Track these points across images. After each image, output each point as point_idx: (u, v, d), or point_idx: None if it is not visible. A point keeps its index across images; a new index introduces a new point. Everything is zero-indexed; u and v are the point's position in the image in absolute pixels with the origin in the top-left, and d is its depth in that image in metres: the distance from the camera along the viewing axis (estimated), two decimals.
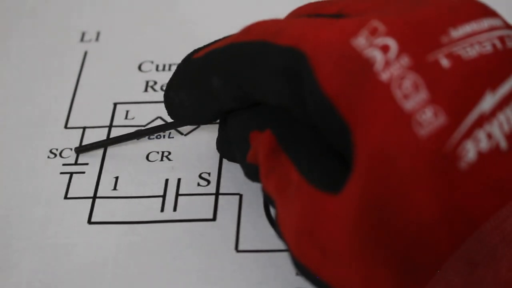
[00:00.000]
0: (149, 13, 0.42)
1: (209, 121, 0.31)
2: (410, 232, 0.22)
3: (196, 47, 0.40)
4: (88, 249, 0.31)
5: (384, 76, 0.23)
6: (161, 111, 0.36)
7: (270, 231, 0.31)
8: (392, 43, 0.24)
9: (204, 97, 0.29)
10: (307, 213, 0.25)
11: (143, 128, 0.35)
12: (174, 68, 0.38)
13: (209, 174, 0.33)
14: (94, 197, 0.33)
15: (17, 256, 0.31)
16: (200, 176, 0.33)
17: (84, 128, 0.36)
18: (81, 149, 0.34)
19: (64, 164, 0.34)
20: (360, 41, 0.24)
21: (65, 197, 0.33)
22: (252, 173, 0.29)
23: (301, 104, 0.25)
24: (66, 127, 0.36)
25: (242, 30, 0.27)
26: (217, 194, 0.32)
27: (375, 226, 0.23)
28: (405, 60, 0.23)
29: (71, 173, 0.34)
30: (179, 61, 0.38)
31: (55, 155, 0.35)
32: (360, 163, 0.23)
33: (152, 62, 0.39)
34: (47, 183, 0.34)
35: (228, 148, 0.31)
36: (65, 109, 0.37)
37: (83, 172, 0.34)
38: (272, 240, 0.30)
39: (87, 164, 0.34)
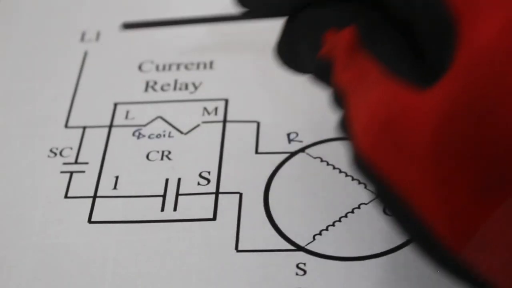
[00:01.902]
0: (149, 13, 0.42)
1: (281, 7, 0.28)
2: (501, 145, 0.20)
3: (196, 47, 0.40)
4: (88, 248, 0.31)
5: None
6: (161, 111, 0.36)
7: (270, 230, 0.31)
8: None
9: None
10: (388, 101, 0.23)
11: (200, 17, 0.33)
12: (174, 68, 0.38)
13: (209, 173, 0.33)
14: (94, 197, 0.33)
15: (17, 256, 0.31)
16: (200, 175, 0.33)
17: (84, 128, 0.36)
18: (129, 25, 0.33)
19: (64, 164, 0.34)
20: None
21: (65, 197, 0.33)
22: (321, 70, 0.27)
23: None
24: (66, 126, 0.36)
25: None
26: (217, 193, 0.32)
27: (463, 130, 0.21)
28: None
29: (71, 173, 0.34)
30: (179, 61, 0.39)
31: (55, 154, 0.35)
32: (462, 60, 0.21)
33: (152, 62, 0.39)
34: (47, 182, 0.33)
35: (291, 51, 0.29)
36: (65, 109, 0.37)
37: (83, 172, 0.34)
38: (272, 239, 0.30)
39: (87, 163, 0.34)
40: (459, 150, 0.21)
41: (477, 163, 0.21)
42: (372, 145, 0.23)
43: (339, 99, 0.26)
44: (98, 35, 0.41)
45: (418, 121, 0.22)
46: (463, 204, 0.21)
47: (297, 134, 0.34)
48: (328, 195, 0.32)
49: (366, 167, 0.23)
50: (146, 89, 0.38)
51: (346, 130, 0.25)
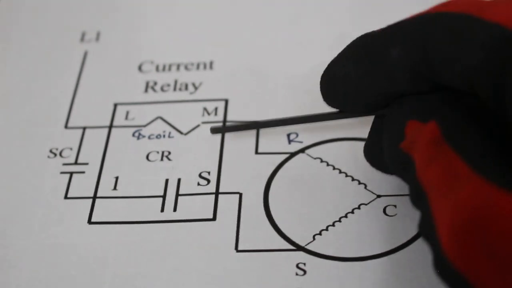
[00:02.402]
0: (149, 13, 0.42)
1: (369, 105, 0.27)
2: None
3: (196, 47, 0.40)
4: (88, 249, 0.31)
5: None
6: (161, 111, 0.36)
7: (270, 230, 0.31)
8: None
9: (375, 71, 0.26)
10: (477, 204, 0.21)
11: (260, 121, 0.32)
12: (174, 68, 0.38)
13: (209, 173, 0.33)
14: (94, 197, 0.33)
15: (17, 256, 0.31)
16: (200, 176, 0.33)
17: (84, 128, 0.36)
18: (217, 129, 0.33)
19: (64, 164, 0.34)
20: None
21: (65, 197, 0.33)
22: (399, 163, 0.26)
23: (497, 87, 0.22)
24: (66, 127, 0.36)
25: (436, 5, 0.25)
26: (217, 193, 0.32)
27: None
28: None
29: (71, 173, 0.34)
30: (179, 61, 0.39)
31: (55, 154, 0.35)
32: None
33: (152, 62, 0.39)
34: (47, 183, 0.33)
35: (379, 152, 0.28)
36: (65, 109, 0.37)
37: (83, 172, 0.34)
38: (272, 239, 0.30)
39: (87, 164, 0.34)
40: None
41: None
42: (461, 252, 0.21)
43: (419, 197, 0.24)
44: (98, 35, 0.41)
45: None
46: None
47: (297, 135, 0.34)
48: (328, 195, 0.32)
49: (453, 274, 0.22)
50: (146, 90, 0.37)
51: (428, 231, 0.23)
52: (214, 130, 0.33)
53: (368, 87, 0.26)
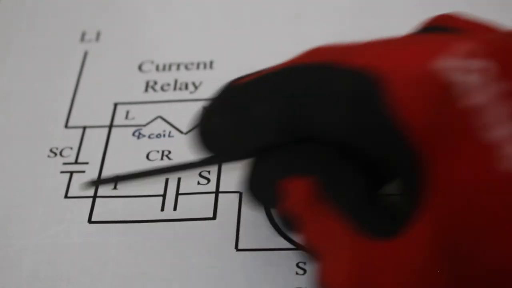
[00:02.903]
0: (149, 13, 0.42)
1: (245, 156, 0.27)
2: (495, 281, 0.20)
3: (196, 47, 0.40)
4: (88, 248, 0.31)
5: (466, 103, 0.21)
6: (161, 111, 0.36)
7: (270, 230, 0.31)
8: (490, 67, 0.21)
9: (244, 125, 0.25)
10: (362, 262, 0.22)
11: (163, 166, 0.30)
12: (174, 68, 0.38)
13: (209, 172, 0.33)
14: (94, 196, 0.33)
15: (17, 256, 0.31)
16: (200, 175, 0.33)
17: (84, 128, 0.36)
18: (97, 183, 0.32)
19: (64, 163, 0.34)
20: (447, 62, 0.21)
21: (66, 197, 0.33)
22: (286, 225, 0.26)
23: (364, 133, 0.22)
24: (66, 126, 0.36)
25: (302, 53, 0.25)
26: (217, 192, 0.32)
27: (449, 273, 0.20)
28: (501, 87, 0.20)
29: (71, 172, 0.34)
30: (179, 61, 0.39)
31: (55, 154, 0.35)
32: (435, 200, 0.21)
33: (152, 62, 0.39)
34: (47, 182, 0.33)
35: (260, 190, 0.27)
36: (65, 108, 0.37)
37: (83, 172, 0.34)
38: (272, 239, 0.30)
39: (87, 163, 0.34)
40: None
41: None
42: None
43: (311, 252, 0.25)
44: (98, 35, 0.41)
45: (399, 274, 0.21)
46: None
47: None
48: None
49: None
50: (146, 89, 0.38)
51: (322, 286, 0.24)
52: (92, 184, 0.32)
53: (238, 140, 0.26)
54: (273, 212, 0.30)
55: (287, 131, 0.25)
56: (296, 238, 0.30)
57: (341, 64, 0.23)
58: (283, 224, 0.27)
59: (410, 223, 0.21)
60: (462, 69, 0.21)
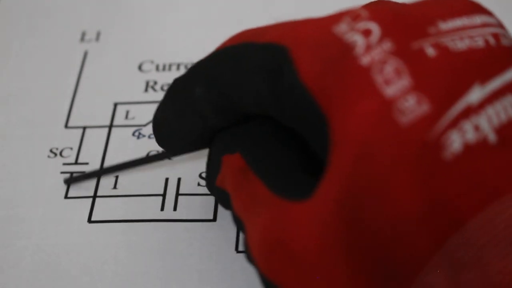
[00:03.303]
0: (149, 13, 0.42)
1: (194, 143, 0.29)
2: (388, 232, 0.21)
3: (196, 47, 0.40)
4: (88, 248, 0.31)
5: (364, 61, 0.22)
6: None
7: None
8: (374, 28, 0.23)
9: (186, 111, 0.28)
10: (275, 223, 0.23)
11: (132, 160, 0.33)
12: (174, 68, 0.38)
13: None
14: (94, 196, 0.33)
15: (17, 256, 0.31)
16: (200, 176, 0.33)
17: (84, 128, 0.36)
18: (72, 180, 0.33)
19: (64, 164, 0.34)
20: (341, 27, 0.23)
21: (65, 197, 0.33)
22: (222, 199, 0.28)
23: (279, 101, 0.24)
24: (66, 126, 0.36)
25: (225, 40, 0.27)
26: None
27: (349, 229, 0.21)
28: (387, 45, 0.22)
29: (71, 173, 0.34)
30: (179, 61, 0.39)
31: (55, 154, 0.35)
32: (336, 159, 0.22)
33: (152, 62, 0.39)
34: (47, 182, 0.33)
35: (218, 192, 0.29)
36: (65, 109, 0.37)
37: (84, 172, 0.34)
38: None
39: (87, 163, 0.34)
40: (350, 251, 0.21)
41: (371, 260, 0.21)
42: (272, 270, 0.23)
43: (240, 226, 0.27)
44: (98, 35, 0.41)
45: (306, 232, 0.22)
46: None
47: None
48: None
49: (270, 285, 0.24)
50: (146, 89, 0.38)
51: (248, 255, 0.25)
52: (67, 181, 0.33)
53: (184, 126, 0.28)
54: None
55: (225, 110, 0.27)
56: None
57: (253, 41, 0.25)
58: (219, 201, 0.29)
59: (319, 184, 0.22)
60: (351, 31, 0.23)
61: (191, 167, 0.33)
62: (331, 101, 0.22)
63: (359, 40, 0.23)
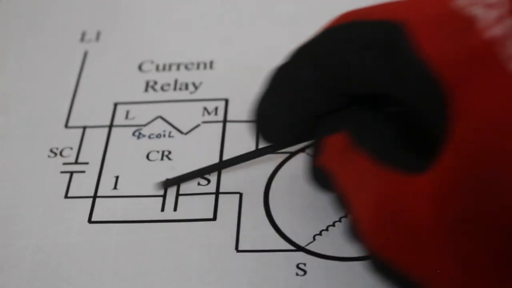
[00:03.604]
0: (149, 13, 0.42)
1: (298, 132, 0.29)
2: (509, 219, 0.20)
3: (196, 47, 0.40)
4: (88, 248, 0.31)
5: (488, 35, 0.21)
6: (162, 110, 0.36)
7: (271, 230, 0.31)
8: (499, 3, 0.22)
9: (292, 98, 0.27)
10: (389, 197, 0.23)
11: (226, 159, 0.32)
12: (174, 67, 0.38)
13: (209, 173, 0.33)
14: (95, 197, 0.33)
15: (17, 256, 0.31)
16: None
17: (84, 128, 0.36)
18: (169, 183, 0.33)
19: (64, 164, 0.34)
20: (460, 1, 0.22)
21: (66, 197, 0.33)
22: (321, 179, 0.28)
23: (394, 77, 0.24)
24: (66, 126, 0.36)
25: (328, 22, 0.26)
26: (217, 193, 0.32)
27: (477, 200, 0.20)
28: (510, 22, 0.21)
29: (71, 172, 0.34)
30: (179, 61, 0.39)
31: (55, 154, 0.35)
32: (461, 131, 0.21)
33: (152, 62, 0.39)
34: (47, 182, 0.33)
35: (318, 173, 0.28)
36: (65, 108, 0.37)
37: (84, 172, 0.34)
38: (272, 240, 0.30)
39: (87, 163, 0.34)
40: (472, 230, 0.21)
41: (494, 242, 0.21)
42: (383, 243, 0.23)
43: (343, 205, 0.26)
44: (98, 35, 0.41)
45: (420, 208, 0.22)
46: (489, 285, 0.21)
47: None
48: (328, 195, 0.32)
49: (384, 266, 0.23)
50: (146, 89, 0.37)
51: (356, 234, 0.25)
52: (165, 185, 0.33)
53: (290, 115, 0.28)
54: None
55: (333, 91, 0.26)
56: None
57: (363, 19, 0.25)
58: (318, 181, 0.28)
59: (437, 158, 0.22)
60: (479, 3, 0.22)
61: (191, 167, 0.33)
62: (454, 75, 0.22)
63: (482, 14, 0.22)
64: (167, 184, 0.33)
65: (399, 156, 0.24)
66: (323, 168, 0.27)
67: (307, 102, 0.27)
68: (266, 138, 0.30)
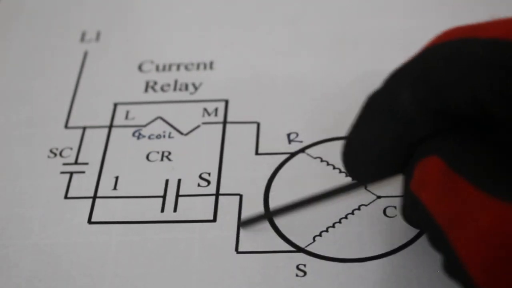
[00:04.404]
0: (149, 13, 0.42)
1: (394, 162, 0.26)
2: None
3: (196, 47, 0.40)
4: (88, 249, 0.31)
5: None
6: (161, 111, 0.36)
7: (270, 232, 0.31)
8: None
9: (389, 122, 0.25)
10: (498, 228, 0.21)
11: (306, 197, 0.30)
12: (174, 68, 0.38)
13: (209, 174, 0.33)
14: (94, 197, 0.33)
15: (17, 256, 0.31)
16: (200, 177, 0.33)
17: (84, 128, 0.36)
18: (247, 223, 0.31)
19: (64, 164, 0.34)
20: None
21: (65, 197, 0.33)
22: (413, 206, 0.26)
23: (506, 98, 0.22)
24: (66, 127, 0.36)
25: (430, 40, 0.25)
26: (217, 194, 0.32)
27: None
28: None
29: (71, 173, 0.34)
30: (179, 61, 0.39)
31: (55, 154, 0.35)
32: None
33: (152, 62, 0.39)
34: (47, 183, 0.33)
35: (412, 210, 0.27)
36: (65, 109, 0.37)
37: (83, 172, 0.34)
38: (272, 241, 0.30)
39: (87, 163, 0.34)
40: None
41: None
42: (493, 283, 0.21)
43: (438, 238, 0.24)
44: (98, 35, 0.41)
45: None
46: None
47: (297, 134, 0.34)
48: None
49: None
50: (146, 89, 0.37)
51: (456, 271, 0.23)
52: (243, 225, 0.31)
53: (387, 141, 0.26)
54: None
55: (434, 113, 0.25)
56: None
57: (474, 37, 0.23)
58: (406, 208, 0.27)
59: None
60: None
61: (191, 168, 0.33)
62: None
63: None
64: (246, 223, 0.31)
65: (503, 182, 0.22)
66: (411, 196, 0.25)
67: (409, 125, 0.25)
68: (354, 175, 0.28)
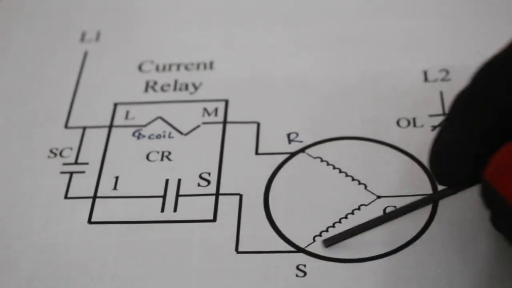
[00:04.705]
0: (149, 13, 0.42)
1: (474, 161, 0.26)
2: None
3: (196, 47, 0.40)
4: (88, 249, 0.31)
5: None
6: (161, 111, 0.36)
7: (271, 232, 0.31)
8: None
9: (479, 121, 0.25)
10: None
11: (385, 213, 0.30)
12: (174, 68, 0.38)
13: (209, 174, 0.33)
14: (94, 197, 0.33)
15: (17, 256, 0.31)
16: (200, 176, 0.33)
17: (84, 128, 0.36)
18: (331, 242, 0.30)
19: (64, 164, 0.34)
20: None
21: (65, 197, 0.33)
22: (485, 194, 0.25)
23: None
24: (66, 127, 0.36)
25: None
26: (217, 194, 0.32)
27: None
28: None
29: (71, 173, 0.34)
30: (179, 61, 0.39)
31: (55, 154, 0.35)
32: None
33: (152, 62, 0.39)
34: (47, 183, 0.33)
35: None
36: (65, 109, 0.37)
37: (83, 172, 0.34)
38: (272, 241, 0.30)
39: (87, 163, 0.34)
40: None
41: None
42: None
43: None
44: (98, 35, 0.41)
45: None
46: None
47: (297, 134, 0.34)
48: (328, 196, 0.32)
49: None
50: (146, 89, 0.37)
51: None
52: (327, 243, 0.30)
53: (473, 143, 0.25)
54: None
55: None
56: None
57: None
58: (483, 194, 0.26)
59: None
60: None
61: (191, 168, 0.33)
62: None
63: None
64: (330, 241, 0.30)
65: None
66: (488, 186, 0.25)
67: (503, 116, 0.24)
68: (442, 180, 0.28)
